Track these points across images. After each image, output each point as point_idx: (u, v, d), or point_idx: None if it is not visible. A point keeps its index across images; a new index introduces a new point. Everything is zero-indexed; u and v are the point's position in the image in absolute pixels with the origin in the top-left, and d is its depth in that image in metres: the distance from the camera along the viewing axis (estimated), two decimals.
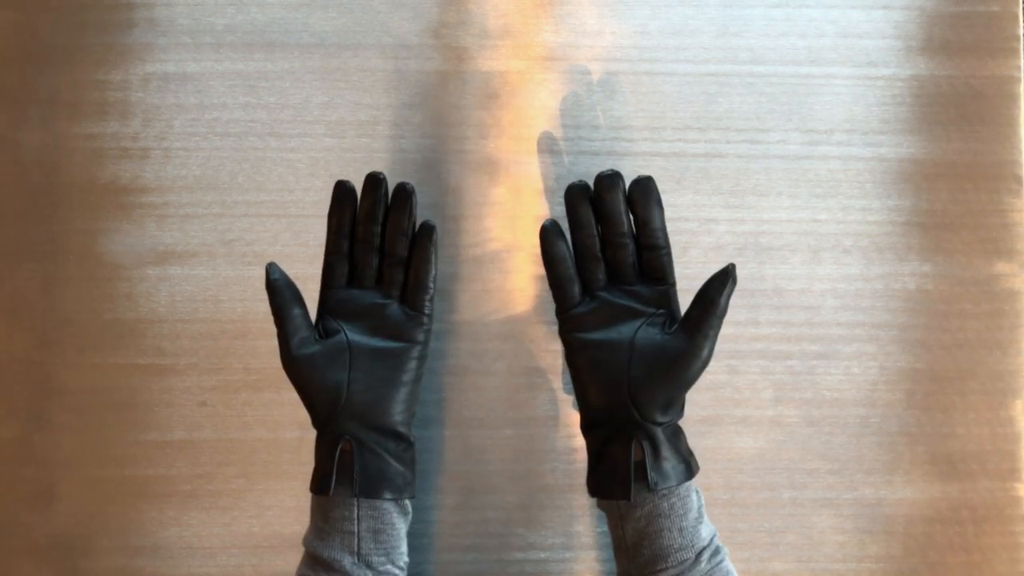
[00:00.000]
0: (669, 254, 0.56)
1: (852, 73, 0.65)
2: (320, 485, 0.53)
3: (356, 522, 0.53)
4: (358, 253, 0.57)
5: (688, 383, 0.53)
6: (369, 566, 0.52)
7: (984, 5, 0.65)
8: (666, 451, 0.53)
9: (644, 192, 0.55)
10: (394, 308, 0.56)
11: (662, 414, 0.52)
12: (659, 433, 0.53)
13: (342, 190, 0.57)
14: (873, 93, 0.65)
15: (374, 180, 0.57)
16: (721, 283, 0.53)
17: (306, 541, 0.54)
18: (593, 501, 0.62)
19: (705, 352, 0.53)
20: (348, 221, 0.57)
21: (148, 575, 0.62)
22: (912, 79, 0.65)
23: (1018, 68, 0.65)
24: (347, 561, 0.52)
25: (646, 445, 0.52)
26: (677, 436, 0.54)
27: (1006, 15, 0.65)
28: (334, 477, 0.53)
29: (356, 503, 0.53)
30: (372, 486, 0.53)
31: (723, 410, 0.63)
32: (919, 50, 0.65)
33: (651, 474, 0.52)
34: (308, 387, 0.54)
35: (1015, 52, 0.65)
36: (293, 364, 0.54)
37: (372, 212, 0.57)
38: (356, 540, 0.52)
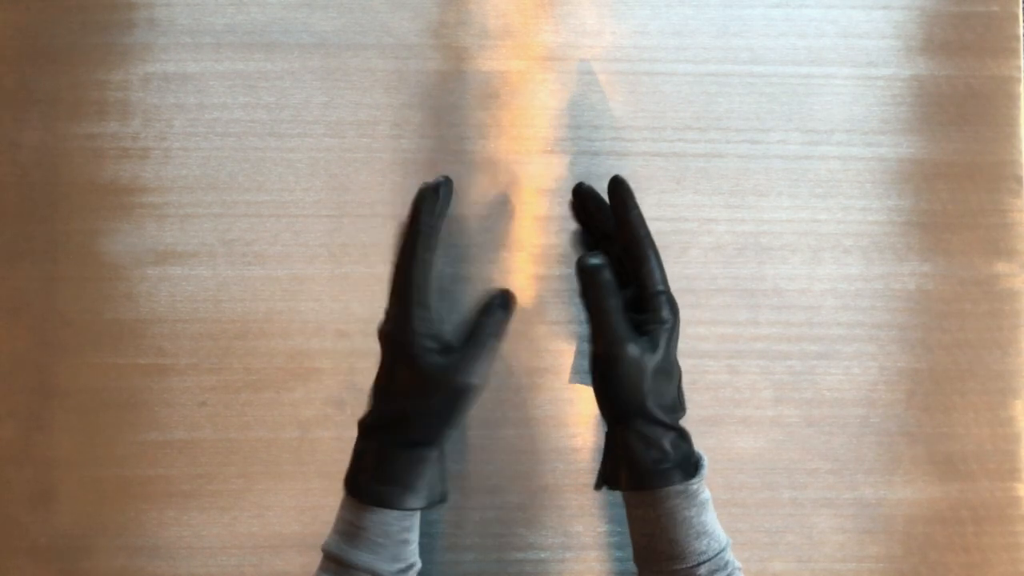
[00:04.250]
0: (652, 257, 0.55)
1: (852, 73, 0.65)
2: (406, 501, 0.52)
3: (412, 531, 0.53)
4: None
5: (642, 392, 0.52)
6: (411, 568, 0.53)
7: (984, 5, 0.65)
8: (644, 459, 0.52)
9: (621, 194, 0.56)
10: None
11: (640, 419, 0.52)
12: (634, 436, 0.52)
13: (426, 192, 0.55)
14: (873, 93, 0.65)
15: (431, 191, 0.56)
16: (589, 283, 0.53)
17: (348, 553, 0.52)
18: (593, 501, 0.62)
19: (630, 356, 0.52)
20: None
21: (148, 575, 0.62)
22: (912, 79, 0.65)
23: (1018, 68, 0.65)
24: (393, 568, 0.52)
25: (626, 447, 0.53)
26: (664, 438, 0.53)
27: (1006, 15, 0.65)
28: (424, 491, 0.53)
29: (417, 514, 0.53)
30: (440, 497, 0.54)
31: (723, 410, 0.63)
32: (919, 50, 0.65)
33: (629, 476, 0.53)
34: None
35: (1015, 52, 0.65)
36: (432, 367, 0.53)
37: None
38: (409, 547, 0.53)
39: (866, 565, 0.63)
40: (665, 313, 0.53)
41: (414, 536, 0.53)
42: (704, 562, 0.51)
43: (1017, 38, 0.65)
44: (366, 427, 0.54)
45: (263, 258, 0.63)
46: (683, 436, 0.53)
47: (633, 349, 0.52)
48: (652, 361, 0.52)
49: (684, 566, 0.51)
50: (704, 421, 0.63)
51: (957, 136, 0.65)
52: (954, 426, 0.64)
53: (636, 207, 0.55)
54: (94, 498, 0.62)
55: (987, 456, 0.64)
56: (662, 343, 0.53)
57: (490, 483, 0.63)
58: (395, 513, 0.51)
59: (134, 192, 0.63)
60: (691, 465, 0.53)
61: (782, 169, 0.64)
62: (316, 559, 0.62)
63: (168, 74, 0.63)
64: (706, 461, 0.53)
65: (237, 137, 0.63)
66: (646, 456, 0.52)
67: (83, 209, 0.63)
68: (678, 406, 0.54)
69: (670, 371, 0.53)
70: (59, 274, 0.63)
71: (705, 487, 0.53)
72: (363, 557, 0.51)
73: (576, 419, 0.63)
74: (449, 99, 0.64)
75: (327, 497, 0.62)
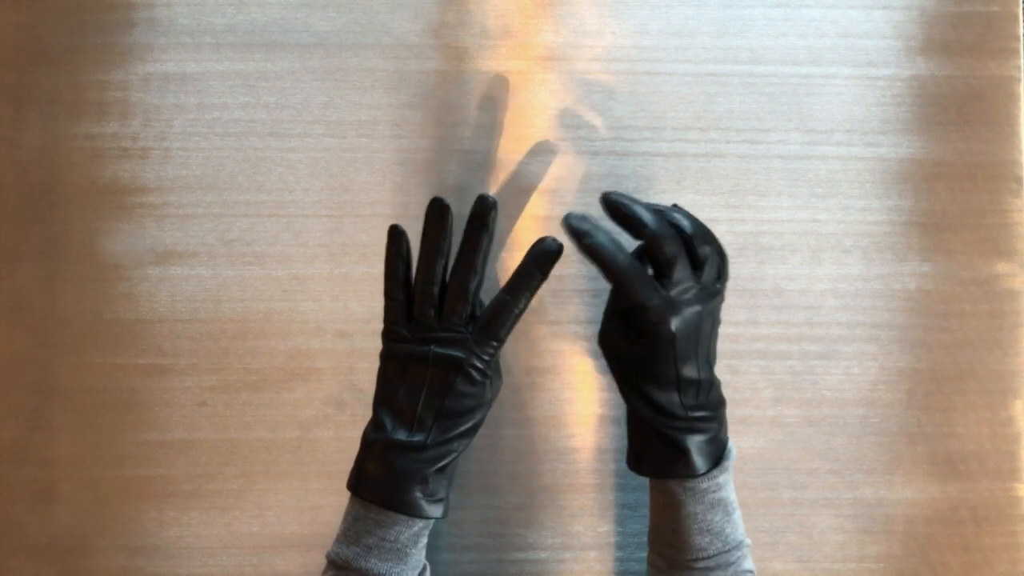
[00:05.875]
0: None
1: (852, 73, 0.65)
2: (436, 510, 0.53)
3: (425, 536, 0.54)
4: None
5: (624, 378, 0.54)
6: (424, 571, 0.54)
7: (984, 5, 0.65)
8: (650, 446, 0.53)
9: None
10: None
11: (640, 404, 0.53)
12: (641, 424, 0.53)
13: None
14: (873, 93, 0.65)
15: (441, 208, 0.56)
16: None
17: (375, 567, 0.52)
18: (593, 501, 0.62)
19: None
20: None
21: (148, 575, 0.62)
22: (912, 79, 0.65)
23: (1018, 68, 0.65)
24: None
25: (632, 430, 0.55)
26: (668, 433, 0.52)
27: (1006, 15, 0.65)
28: (448, 501, 0.54)
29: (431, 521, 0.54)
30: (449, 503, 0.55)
31: None
32: (919, 50, 0.65)
33: (633, 460, 0.54)
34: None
35: (1015, 52, 0.65)
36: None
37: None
38: (424, 552, 0.54)
39: (866, 565, 0.63)
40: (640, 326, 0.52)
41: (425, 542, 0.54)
42: (702, 558, 0.51)
43: (1017, 38, 0.65)
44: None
45: (263, 258, 0.63)
46: (701, 431, 0.52)
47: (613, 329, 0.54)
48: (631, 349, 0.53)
49: (682, 557, 0.52)
50: None
51: (957, 136, 0.65)
52: (954, 426, 0.64)
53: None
54: (94, 498, 0.62)
55: (987, 456, 0.64)
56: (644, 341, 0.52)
57: (490, 483, 0.63)
58: (420, 522, 0.53)
59: (134, 192, 0.63)
60: (705, 461, 0.52)
61: (782, 169, 0.64)
62: (316, 559, 0.62)
63: (168, 74, 0.63)
64: (729, 463, 0.53)
65: (237, 137, 0.63)
66: (644, 444, 0.53)
67: (83, 209, 0.63)
68: (692, 389, 0.52)
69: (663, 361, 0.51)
70: (59, 274, 0.63)
71: (723, 487, 0.52)
72: (382, 566, 0.51)
73: (576, 419, 0.63)
74: (449, 99, 0.64)
75: (327, 497, 0.62)
